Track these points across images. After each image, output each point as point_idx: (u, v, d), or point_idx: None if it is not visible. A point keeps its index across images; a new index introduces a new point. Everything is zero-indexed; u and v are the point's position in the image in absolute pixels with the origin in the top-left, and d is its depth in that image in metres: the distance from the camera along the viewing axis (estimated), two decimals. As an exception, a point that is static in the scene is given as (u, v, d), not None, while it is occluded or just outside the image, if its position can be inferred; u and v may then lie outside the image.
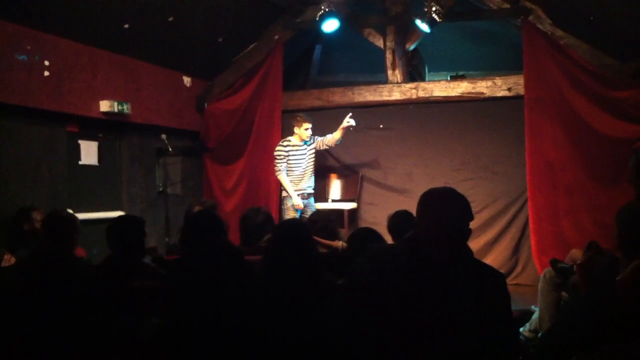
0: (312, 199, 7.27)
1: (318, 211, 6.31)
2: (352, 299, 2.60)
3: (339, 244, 4.63)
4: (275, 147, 7.25)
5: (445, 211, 2.53)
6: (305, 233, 3.20)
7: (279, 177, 7.12)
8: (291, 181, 7.08)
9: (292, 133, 7.26)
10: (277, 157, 7.10)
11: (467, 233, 2.55)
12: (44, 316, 3.11)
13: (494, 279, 2.54)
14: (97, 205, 6.60)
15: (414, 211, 4.22)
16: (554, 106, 6.77)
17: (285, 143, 7.13)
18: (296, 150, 7.11)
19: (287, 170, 7.09)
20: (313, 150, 7.24)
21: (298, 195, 7.05)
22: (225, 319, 2.77)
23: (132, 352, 3.03)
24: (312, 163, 7.26)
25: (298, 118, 7.15)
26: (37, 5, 5.49)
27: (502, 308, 2.51)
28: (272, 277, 3.05)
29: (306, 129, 7.09)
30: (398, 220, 4.36)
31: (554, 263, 5.04)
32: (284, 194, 7.18)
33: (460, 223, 2.53)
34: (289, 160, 7.09)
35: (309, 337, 2.75)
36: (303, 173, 7.15)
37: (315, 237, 4.56)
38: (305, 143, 7.16)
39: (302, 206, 7.02)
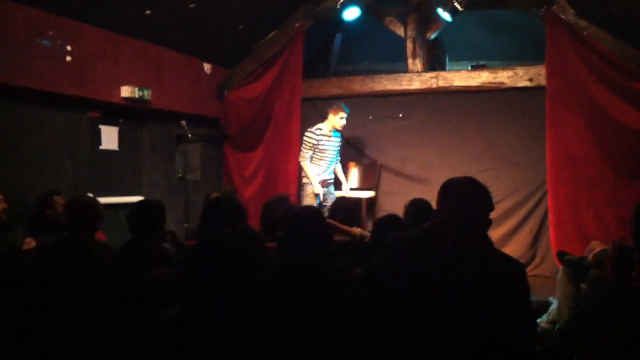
0: (332, 187, 7.29)
1: (340, 200, 6.30)
2: (368, 288, 2.60)
3: (357, 230, 4.64)
4: (296, 134, 7.25)
5: (465, 201, 2.53)
6: (318, 222, 3.20)
7: (302, 163, 7.11)
8: (315, 167, 7.09)
9: (311, 122, 7.26)
10: (306, 143, 7.09)
11: (487, 223, 2.54)
12: (61, 301, 3.15)
13: (514, 268, 2.53)
14: (117, 190, 6.66)
15: (432, 200, 4.25)
16: (576, 97, 6.70)
17: (317, 131, 7.10)
18: (326, 140, 7.12)
19: (315, 158, 7.09)
20: (339, 143, 7.25)
21: (319, 182, 7.05)
22: (239, 308, 2.79)
23: (144, 342, 3.05)
24: (338, 155, 7.30)
25: (335, 106, 7.12)
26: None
27: (521, 298, 2.51)
28: (284, 266, 3.06)
29: (341, 118, 7.07)
30: (414, 209, 4.35)
31: (561, 255, 5.03)
32: (304, 180, 7.19)
33: (480, 213, 2.53)
34: (317, 148, 7.08)
35: (317, 329, 2.76)
36: (328, 163, 7.17)
37: (333, 222, 4.56)
38: (334, 134, 7.14)
39: (322, 193, 7.03)
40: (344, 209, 5.05)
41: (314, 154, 7.10)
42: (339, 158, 7.41)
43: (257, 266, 3.14)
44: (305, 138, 7.13)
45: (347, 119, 7.18)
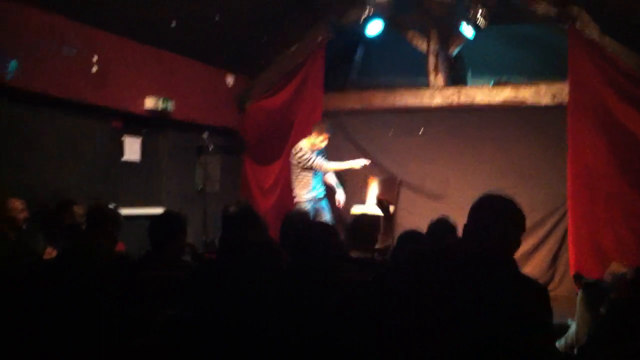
0: (324, 202, 7.24)
1: (363, 216, 6.20)
2: (371, 290, 2.57)
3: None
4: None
5: (495, 219, 2.49)
6: (328, 232, 3.21)
7: (325, 168, 7.07)
8: (307, 185, 7.05)
9: (332, 135, 7.24)
10: (306, 158, 7.03)
11: (515, 245, 2.50)
12: (78, 310, 3.15)
13: (538, 293, 2.49)
14: (136, 200, 6.68)
15: (452, 217, 4.23)
16: (599, 115, 6.62)
17: (304, 148, 7.07)
18: (314, 155, 7.11)
19: (304, 176, 7.06)
20: (323, 156, 7.23)
21: (311, 200, 7.02)
22: (249, 314, 2.80)
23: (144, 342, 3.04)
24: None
25: (322, 126, 7.12)
26: (87, 1, 5.58)
27: (544, 323, 2.47)
28: (290, 269, 3.06)
29: (322, 141, 7.08)
30: (438, 228, 4.32)
31: (577, 278, 4.98)
32: (295, 199, 7.13)
33: (509, 234, 2.48)
34: (303, 167, 7.05)
35: (319, 330, 2.74)
36: (315, 180, 7.14)
37: None
38: (317, 152, 7.13)
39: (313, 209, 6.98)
40: (364, 225, 5.00)
41: (300, 173, 7.05)
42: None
43: (271, 275, 3.16)
44: (304, 155, 7.04)
45: (368, 132, 7.17)
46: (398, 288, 2.46)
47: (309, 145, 7.08)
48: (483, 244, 2.47)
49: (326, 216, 7.11)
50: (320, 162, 7.06)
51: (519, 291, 2.46)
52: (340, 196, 7.31)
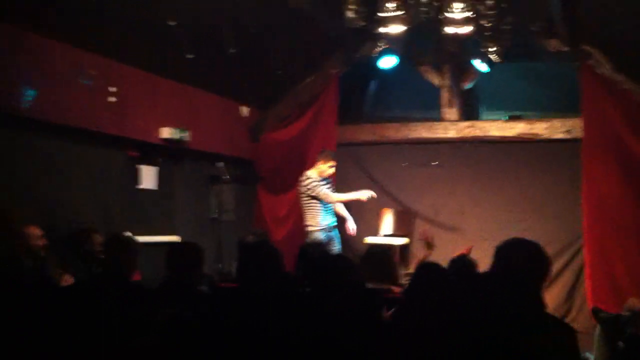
0: (336, 231, 7.22)
1: (376, 246, 6.15)
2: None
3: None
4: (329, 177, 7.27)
5: (524, 264, 2.55)
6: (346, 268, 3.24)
7: (331, 199, 7.03)
8: (318, 214, 7.03)
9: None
10: (314, 187, 6.99)
11: (538, 287, 2.56)
12: (96, 338, 3.18)
13: (568, 335, 2.54)
14: (152, 228, 6.71)
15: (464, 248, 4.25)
16: (613, 151, 6.68)
17: (311, 177, 7.05)
18: (321, 184, 7.08)
19: (313, 205, 7.03)
20: (330, 186, 7.23)
21: (324, 229, 7.00)
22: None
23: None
24: None
25: (327, 154, 7.14)
26: (103, 33, 5.69)
27: None
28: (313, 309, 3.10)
29: (330, 167, 7.08)
30: (459, 266, 4.31)
31: (595, 313, 4.95)
32: (308, 229, 7.09)
33: (537, 277, 2.55)
34: (312, 196, 7.02)
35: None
36: (326, 209, 7.12)
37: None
38: (323, 180, 7.13)
39: (326, 238, 6.94)
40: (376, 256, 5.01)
41: (310, 202, 7.03)
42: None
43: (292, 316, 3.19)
44: (310, 185, 7.01)
45: (382, 164, 7.20)
46: (424, 325, 2.50)
47: (317, 173, 7.10)
48: (511, 285, 2.54)
49: (337, 245, 7.11)
50: (326, 191, 7.05)
51: (549, 332, 2.51)
52: (350, 225, 7.30)
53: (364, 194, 7.04)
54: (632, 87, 6.62)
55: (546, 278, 2.65)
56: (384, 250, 5.12)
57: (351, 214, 7.45)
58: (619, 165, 6.64)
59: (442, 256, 6.93)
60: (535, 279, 2.58)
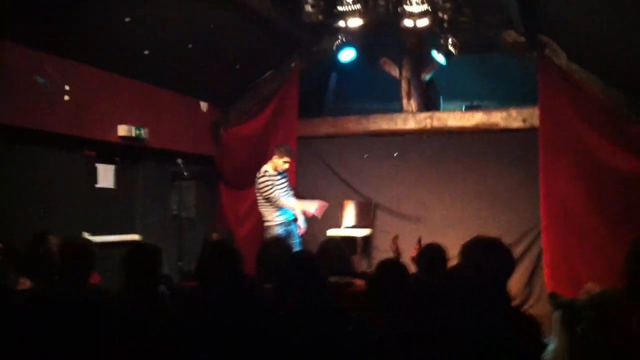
0: (294, 226, 7.18)
1: (329, 239, 6.17)
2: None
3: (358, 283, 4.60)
4: (291, 173, 7.25)
5: (489, 262, 2.63)
6: (313, 264, 3.25)
7: (279, 203, 6.97)
8: (275, 209, 6.99)
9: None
10: (267, 187, 6.96)
11: (504, 286, 2.62)
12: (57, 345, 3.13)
13: (530, 327, 2.64)
14: (112, 228, 6.63)
15: (428, 239, 4.31)
16: (568, 140, 6.77)
17: (266, 174, 7.03)
18: (276, 180, 7.06)
19: (269, 203, 7.01)
20: (287, 180, 7.23)
21: (282, 224, 6.99)
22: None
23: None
24: (289, 192, 7.23)
25: (282, 149, 7.10)
26: (58, 33, 5.58)
27: (535, 355, 2.64)
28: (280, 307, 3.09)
29: (285, 162, 7.04)
30: (429, 255, 4.33)
31: (552, 298, 5.05)
32: (266, 224, 7.08)
33: (502, 274, 2.60)
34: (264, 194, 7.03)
35: None
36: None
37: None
38: (279, 173, 7.12)
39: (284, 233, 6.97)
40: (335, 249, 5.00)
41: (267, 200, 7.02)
42: (292, 192, 7.33)
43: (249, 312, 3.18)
44: (263, 184, 6.99)
45: (343, 157, 7.20)
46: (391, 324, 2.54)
47: (273, 167, 7.07)
48: (480, 282, 2.60)
49: (296, 239, 7.10)
50: (276, 195, 6.98)
51: (514, 325, 2.60)
52: (301, 223, 7.26)
53: (312, 207, 7.04)
54: (587, 77, 6.72)
55: (511, 275, 2.70)
56: (338, 243, 5.12)
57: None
58: (575, 156, 6.73)
59: (407, 247, 7.02)
60: (501, 277, 2.63)
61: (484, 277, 2.67)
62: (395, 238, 5.25)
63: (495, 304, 2.63)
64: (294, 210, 7.06)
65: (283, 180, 7.13)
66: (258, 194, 7.07)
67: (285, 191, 7.14)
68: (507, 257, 2.74)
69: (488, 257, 2.71)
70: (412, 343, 2.58)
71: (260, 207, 7.08)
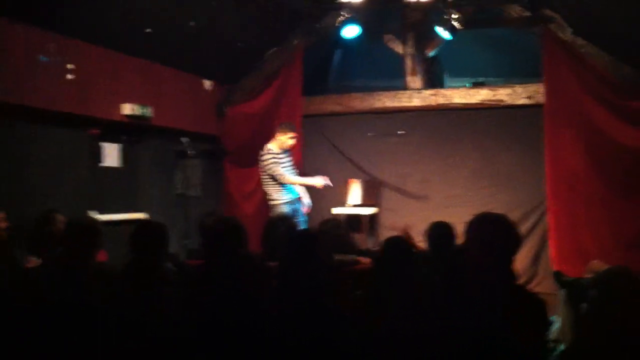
0: (299, 204, 7.20)
1: (327, 221, 6.10)
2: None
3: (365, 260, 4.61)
4: (296, 151, 7.25)
5: (495, 239, 2.65)
6: (314, 245, 3.24)
7: (286, 180, 6.96)
8: (281, 187, 6.99)
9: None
10: (272, 164, 6.94)
11: (509, 264, 2.65)
12: (61, 324, 3.15)
13: (535, 305, 2.63)
14: (118, 206, 6.66)
15: (433, 217, 4.31)
16: (573, 116, 6.75)
17: (270, 152, 7.01)
18: (280, 159, 7.04)
19: (275, 183, 6.99)
20: (291, 159, 7.22)
21: (287, 202, 6.98)
22: (237, 328, 2.83)
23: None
24: (293, 171, 7.24)
25: (284, 126, 7.09)
26: (60, 11, 5.55)
27: (540, 333, 2.63)
28: (283, 289, 3.09)
29: (290, 138, 7.03)
30: (437, 232, 4.35)
31: (557, 276, 5.07)
32: (271, 203, 7.07)
33: (508, 251, 2.63)
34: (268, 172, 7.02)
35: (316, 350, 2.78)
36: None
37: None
38: (284, 152, 7.11)
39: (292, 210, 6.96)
40: (335, 228, 4.99)
41: (271, 178, 7.01)
42: (297, 171, 7.35)
43: (254, 288, 3.19)
44: (268, 162, 6.97)
45: (347, 135, 7.18)
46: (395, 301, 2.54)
47: (277, 146, 7.07)
48: (486, 258, 2.58)
49: (301, 218, 7.11)
50: (281, 172, 6.96)
51: (519, 304, 2.60)
52: (305, 201, 7.27)
53: (319, 181, 7.03)
54: (592, 51, 6.68)
55: (516, 251, 2.70)
56: (337, 223, 5.14)
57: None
58: (581, 131, 6.73)
59: (410, 224, 7.01)
60: (506, 254, 2.64)
61: (489, 253, 2.66)
62: (406, 230, 5.22)
63: (501, 281, 2.62)
64: (302, 184, 7.05)
65: (287, 158, 7.13)
66: (262, 173, 7.06)
67: (289, 170, 7.14)
68: (513, 233, 2.73)
69: (493, 233, 2.70)
70: (412, 343, 2.60)
71: (265, 186, 7.09)
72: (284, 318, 2.91)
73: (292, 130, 7.05)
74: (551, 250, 6.82)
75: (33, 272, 4.47)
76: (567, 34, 6.77)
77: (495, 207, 6.83)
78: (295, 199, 7.09)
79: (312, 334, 2.79)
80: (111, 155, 6.72)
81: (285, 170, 7.03)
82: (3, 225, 4.97)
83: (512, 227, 2.75)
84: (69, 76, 5.88)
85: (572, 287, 4.66)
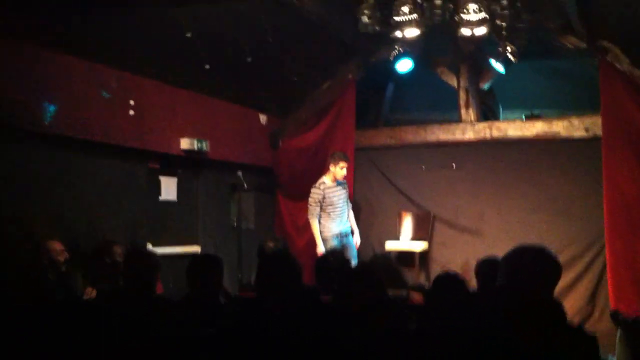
0: (350, 238, 7.22)
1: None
2: None
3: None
4: (349, 183, 7.28)
5: (529, 269, 2.54)
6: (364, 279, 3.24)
7: (311, 221, 7.08)
8: (332, 220, 7.05)
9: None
10: (312, 200, 7.06)
11: (551, 296, 2.55)
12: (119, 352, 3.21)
13: (586, 343, 2.52)
14: (174, 239, 6.78)
15: (487, 252, 4.23)
16: (633, 148, 6.58)
17: (321, 185, 7.09)
18: (332, 191, 7.10)
19: (327, 213, 7.06)
20: (346, 192, 7.24)
21: (337, 236, 7.02)
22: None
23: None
24: (348, 204, 7.28)
25: (336, 156, 7.15)
26: (122, 47, 5.77)
27: None
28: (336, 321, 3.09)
29: (342, 168, 7.07)
30: (485, 269, 4.27)
31: (614, 316, 4.92)
32: (323, 234, 7.10)
33: (543, 287, 2.54)
34: (326, 202, 7.06)
35: None
36: (341, 214, 7.14)
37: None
38: (338, 184, 7.14)
39: (341, 245, 6.96)
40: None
41: (325, 208, 7.06)
42: (350, 205, 7.37)
43: (309, 322, 3.19)
44: (311, 194, 7.09)
45: (400, 168, 7.17)
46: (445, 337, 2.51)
47: (332, 178, 7.11)
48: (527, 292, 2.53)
49: (352, 252, 7.10)
50: (311, 211, 7.07)
51: (570, 341, 2.49)
52: (356, 237, 7.29)
53: (321, 249, 6.97)
54: (652, 82, 6.55)
55: (557, 282, 2.60)
56: (384, 256, 5.10)
57: (370, 218, 7.46)
58: (639, 161, 6.55)
59: (462, 259, 6.94)
60: (546, 286, 2.55)
61: (520, 282, 2.57)
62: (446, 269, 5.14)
63: (544, 317, 2.52)
64: (314, 232, 7.10)
65: (342, 190, 7.16)
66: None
67: (343, 202, 7.16)
68: (550, 262, 2.63)
69: (527, 262, 2.62)
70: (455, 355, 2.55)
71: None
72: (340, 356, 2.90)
73: (343, 159, 7.11)
74: (609, 286, 6.61)
75: (91, 303, 4.58)
76: (624, 65, 6.64)
77: (552, 242, 6.69)
78: (345, 233, 7.10)
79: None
80: (169, 188, 6.86)
81: (340, 201, 7.08)
82: (62, 257, 5.10)
83: (549, 256, 2.65)
84: (131, 112, 6.06)
85: (629, 327, 4.52)
